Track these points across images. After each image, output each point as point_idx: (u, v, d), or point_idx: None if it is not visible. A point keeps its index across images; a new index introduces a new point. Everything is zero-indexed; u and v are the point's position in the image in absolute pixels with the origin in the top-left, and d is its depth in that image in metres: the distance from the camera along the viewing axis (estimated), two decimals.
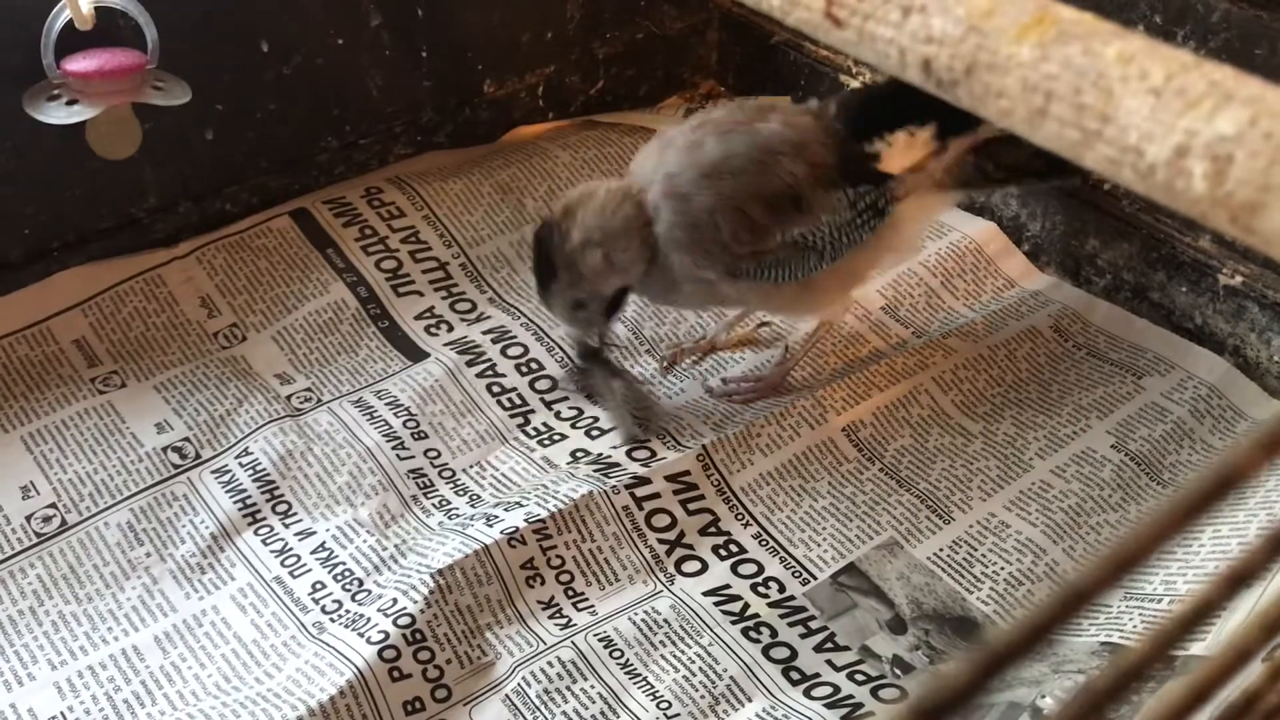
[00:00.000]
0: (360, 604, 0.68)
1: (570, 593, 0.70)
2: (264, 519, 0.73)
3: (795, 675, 0.67)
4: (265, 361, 0.82)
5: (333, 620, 0.68)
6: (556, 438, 0.78)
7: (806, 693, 0.66)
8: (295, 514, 0.73)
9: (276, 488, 0.74)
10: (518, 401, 0.81)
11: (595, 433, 0.78)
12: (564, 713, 0.64)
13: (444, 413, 0.79)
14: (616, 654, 0.67)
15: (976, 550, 0.72)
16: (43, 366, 0.80)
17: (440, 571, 0.68)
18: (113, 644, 0.67)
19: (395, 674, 0.65)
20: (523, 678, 0.65)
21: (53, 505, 0.73)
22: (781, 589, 0.71)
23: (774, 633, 0.69)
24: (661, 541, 0.72)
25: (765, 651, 0.68)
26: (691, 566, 0.72)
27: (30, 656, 0.67)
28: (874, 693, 0.66)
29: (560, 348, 0.83)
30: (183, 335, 0.83)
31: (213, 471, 0.75)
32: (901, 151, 0.75)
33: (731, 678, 0.66)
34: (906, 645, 0.68)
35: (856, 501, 0.75)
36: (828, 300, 0.79)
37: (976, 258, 0.90)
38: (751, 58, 1.04)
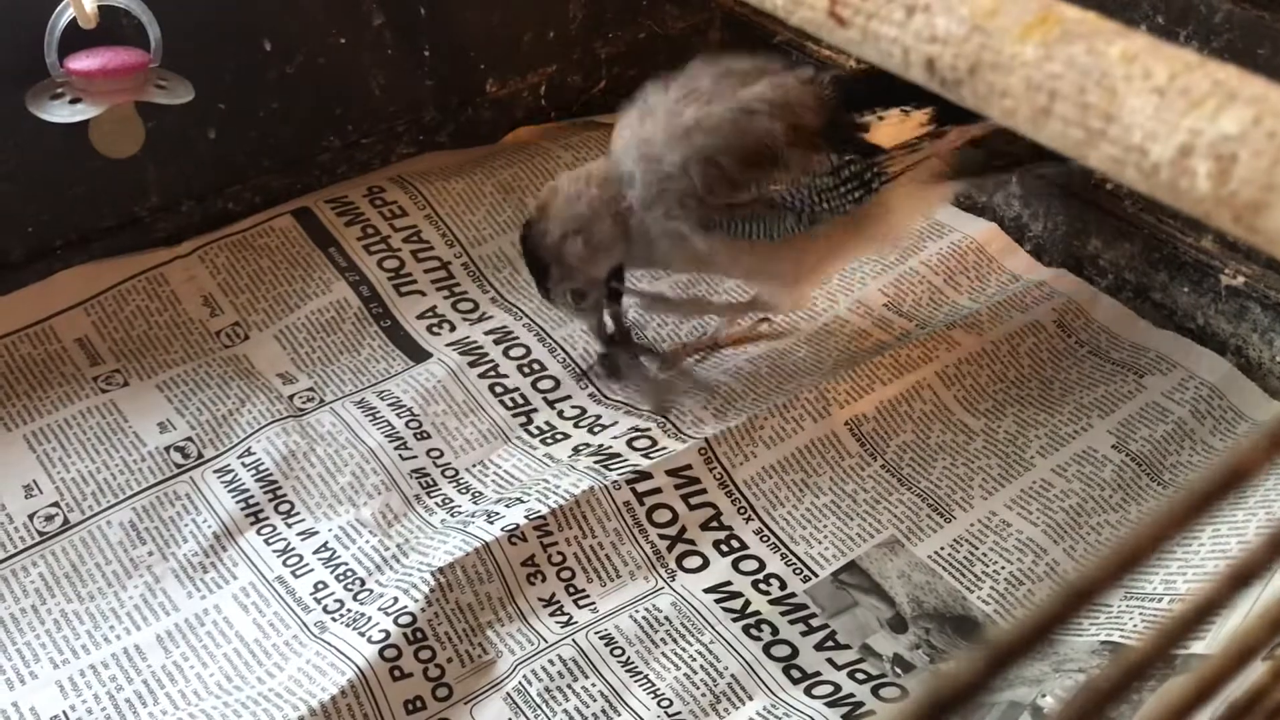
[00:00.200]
0: (362, 603, 0.68)
1: (571, 589, 0.70)
2: (266, 519, 0.73)
3: (796, 673, 0.67)
4: (267, 361, 0.82)
5: (334, 620, 0.68)
6: (560, 436, 0.78)
7: (807, 691, 0.66)
8: (298, 514, 0.73)
9: (279, 487, 0.74)
10: (520, 401, 0.81)
11: (598, 429, 0.78)
12: (565, 711, 0.64)
13: (446, 412, 0.79)
14: (617, 652, 0.67)
15: (977, 549, 0.73)
16: (45, 365, 0.80)
17: (441, 569, 0.68)
18: (115, 643, 0.67)
19: (396, 673, 0.65)
20: (524, 676, 0.66)
21: (55, 504, 0.73)
22: (783, 586, 0.71)
23: (775, 630, 0.69)
24: (663, 537, 0.72)
25: (766, 649, 0.68)
26: (693, 562, 0.72)
27: (32, 655, 0.67)
28: (875, 691, 0.66)
29: (562, 349, 0.84)
30: (185, 334, 0.83)
31: (215, 471, 0.75)
32: (893, 127, 0.74)
33: (733, 675, 0.66)
34: (907, 644, 0.68)
35: (858, 499, 0.75)
36: (800, 272, 0.78)
37: (979, 256, 0.90)
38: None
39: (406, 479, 0.75)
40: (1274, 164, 0.21)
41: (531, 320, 0.86)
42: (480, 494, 0.75)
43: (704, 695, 0.65)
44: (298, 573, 0.71)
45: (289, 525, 0.73)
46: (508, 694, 0.65)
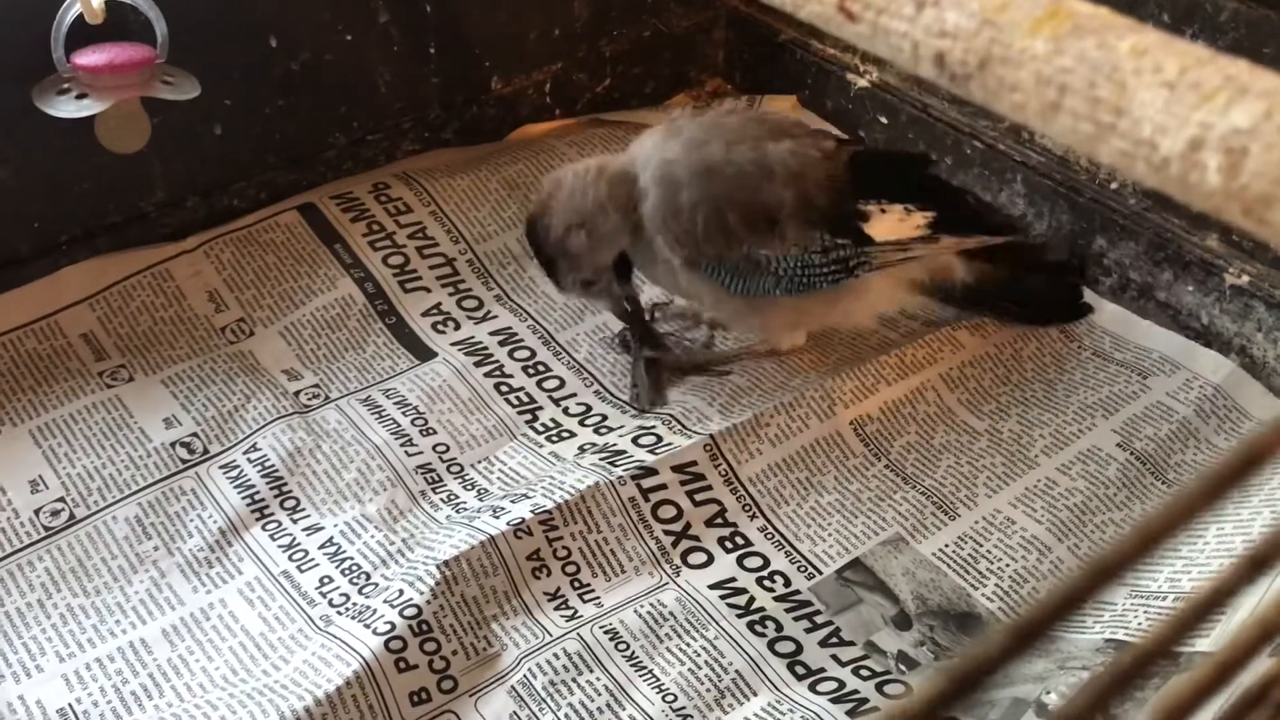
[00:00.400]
0: (367, 597, 0.69)
1: (576, 584, 0.70)
2: (272, 514, 0.73)
3: (800, 670, 0.67)
4: (273, 357, 0.82)
5: (339, 613, 0.68)
6: (565, 434, 0.79)
7: (812, 687, 0.66)
8: (303, 510, 0.74)
9: (285, 484, 0.75)
10: (526, 399, 0.81)
11: (604, 430, 0.78)
12: (570, 704, 0.65)
13: (452, 410, 0.80)
14: (622, 646, 0.67)
15: (982, 547, 0.73)
16: (51, 360, 0.80)
17: (446, 563, 0.68)
18: (120, 637, 0.68)
19: (401, 665, 0.65)
20: (529, 669, 0.66)
21: (61, 499, 0.73)
22: (787, 583, 0.71)
23: (779, 627, 0.69)
24: (668, 533, 0.72)
25: (770, 646, 0.68)
26: (697, 559, 0.72)
27: (39, 648, 0.67)
28: (879, 688, 0.66)
29: (567, 352, 0.84)
30: (190, 330, 0.83)
31: (221, 467, 0.75)
32: (891, 223, 0.76)
33: (737, 671, 0.66)
34: (911, 641, 0.68)
35: (862, 497, 0.75)
36: (770, 329, 0.81)
37: None
38: (758, 56, 1.04)
39: (412, 475, 0.75)
40: None
41: (536, 322, 0.86)
42: (486, 490, 0.75)
43: (708, 690, 0.65)
44: (303, 567, 0.71)
45: (294, 521, 0.73)
46: (512, 687, 0.65)
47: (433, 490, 0.75)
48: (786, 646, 0.68)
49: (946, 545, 0.73)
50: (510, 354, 0.84)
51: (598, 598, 0.70)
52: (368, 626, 0.66)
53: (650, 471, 0.74)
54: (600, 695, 0.65)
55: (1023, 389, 0.82)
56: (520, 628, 0.68)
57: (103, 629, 0.68)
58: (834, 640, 0.68)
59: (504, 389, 0.81)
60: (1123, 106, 0.23)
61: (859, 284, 0.77)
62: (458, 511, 0.73)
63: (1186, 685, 0.22)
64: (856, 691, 0.66)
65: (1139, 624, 0.66)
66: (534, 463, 0.76)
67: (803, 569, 0.72)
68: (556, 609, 0.69)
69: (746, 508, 0.74)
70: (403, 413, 0.79)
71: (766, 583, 0.71)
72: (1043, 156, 0.89)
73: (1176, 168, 0.22)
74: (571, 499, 0.72)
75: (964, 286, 0.82)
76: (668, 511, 0.73)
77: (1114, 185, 0.85)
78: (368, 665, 0.64)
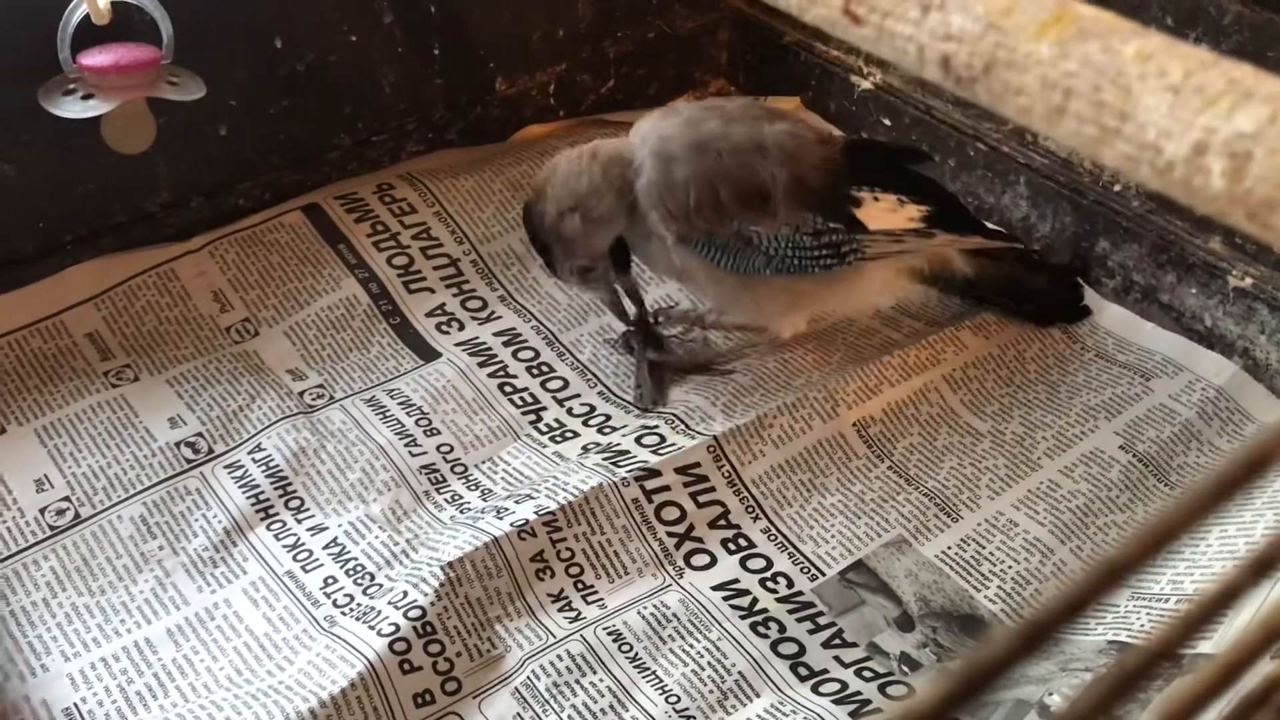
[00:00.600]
0: (371, 598, 0.69)
1: (580, 585, 0.70)
2: (276, 514, 0.73)
3: (803, 671, 0.67)
4: (277, 357, 0.82)
5: (344, 614, 0.68)
6: (569, 434, 0.79)
7: (814, 689, 0.66)
8: (308, 509, 0.74)
9: (289, 483, 0.75)
10: (530, 400, 0.81)
11: (608, 430, 0.79)
12: (573, 706, 0.65)
13: (456, 410, 0.80)
14: (625, 648, 0.67)
15: (984, 548, 0.73)
16: (56, 360, 0.81)
17: (450, 564, 0.68)
18: (125, 636, 0.68)
19: (406, 666, 0.65)
20: (532, 671, 0.66)
21: (66, 498, 0.73)
22: (790, 584, 0.71)
23: (782, 628, 0.69)
24: (671, 535, 0.73)
25: (774, 647, 0.68)
26: (700, 560, 0.72)
27: (43, 648, 0.67)
28: (882, 689, 0.66)
29: (570, 353, 0.84)
30: (195, 329, 0.83)
31: (225, 466, 0.75)
32: (883, 212, 0.76)
33: (740, 673, 0.66)
34: (914, 642, 0.68)
35: (865, 499, 0.75)
36: (766, 312, 0.81)
37: None
38: (762, 58, 1.04)
39: (416, 475, 0.76)
40: None
41: (540, 323, 0.86)
42: (490, 491, 0.75)
43: (711, 692, 0.66)
44: (307, 568, 0.71)
45: (299, 521, 0.73)
46: (516, 689, 0.65)
47: (437, 490, 0.75)
48: (789, 648, 0.68)
49: (949, 547, 0.73)
50: (514, 354, 0.84)
51: (601, 599, 0.70)
52: (372, 628, 0.66)
53: (654, 473, 0.74)
54: (603, 697, 0.65)
55: (1025, 390, 0.82)
56: (524, 629, 0.68)
57: (108, 628, 0.68)
58: (837, 642, 0.68)
59: (508, 389, 0.81)
60: (1127, 111, 0.23)
61: (853, 272, 0.77)
62: (462, 512, 0.74)
63: (1189, 687, 0.22)
64: (859, 693, 0.66)
65: (1142, 626, 0.66)
66: (538, 463, 0.77)
67: (805, 570, 0.72)
68: (560, 610, 0.69)
69: (749, 509, 0.74)
70: (407, 413, 0.79)
71: (769, 584, 0.71)
72: (1046, 159, 0.89)
73: (1181, 172, 0.23)
74: (575, 500, 0.72)
75: (964, 279, 0.82)
76: (671, 513, 0.73)
77: (1117, 188, 0.85)
78: (372, 667, 0.64)
